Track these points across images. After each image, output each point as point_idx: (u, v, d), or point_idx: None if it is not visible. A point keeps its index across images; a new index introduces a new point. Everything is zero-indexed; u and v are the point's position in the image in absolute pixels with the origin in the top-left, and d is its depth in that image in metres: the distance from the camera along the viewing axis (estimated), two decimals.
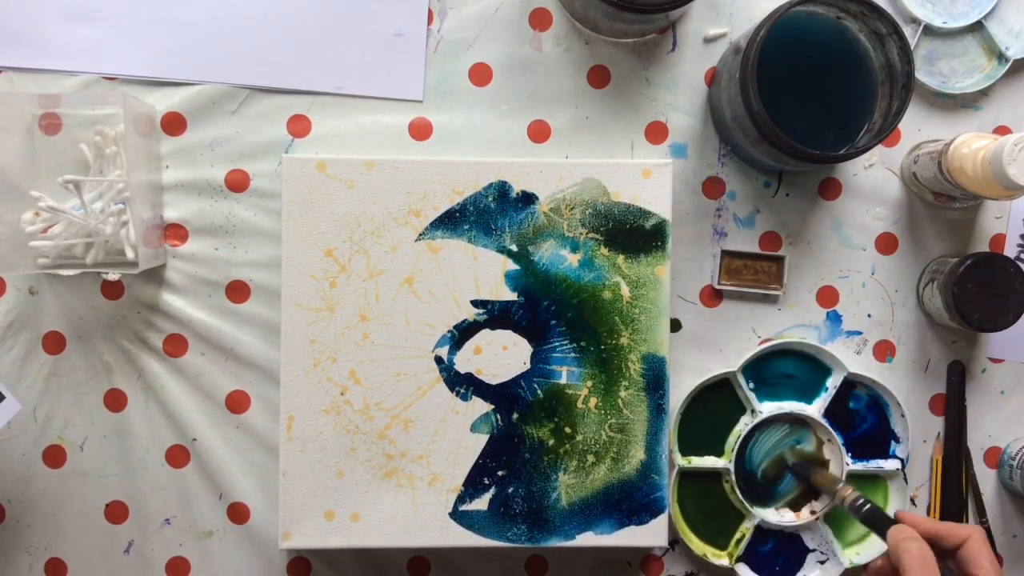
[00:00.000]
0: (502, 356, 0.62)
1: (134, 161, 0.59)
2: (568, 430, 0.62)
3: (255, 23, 0.64)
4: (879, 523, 0.55)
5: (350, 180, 0.61)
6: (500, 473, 0.62)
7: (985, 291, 0.61)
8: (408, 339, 0.61)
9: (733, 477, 0.65)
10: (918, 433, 0.67)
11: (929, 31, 0.65)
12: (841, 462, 0.65)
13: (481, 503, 0.62)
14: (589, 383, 0.62)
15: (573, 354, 0.62)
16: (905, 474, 0.66)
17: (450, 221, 0.61)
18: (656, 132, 0.65)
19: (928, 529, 0.52)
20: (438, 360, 0.62)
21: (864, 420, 0.67)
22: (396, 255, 0.61)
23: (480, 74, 0.65)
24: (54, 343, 0.64)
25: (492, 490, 0.62)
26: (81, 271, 0.61)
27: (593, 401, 0.62)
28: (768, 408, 0.65)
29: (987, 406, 0.68)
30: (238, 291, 0.65)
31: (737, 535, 0.66)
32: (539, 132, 0.65)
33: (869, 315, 0.67)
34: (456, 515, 0.61)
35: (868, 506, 0.57)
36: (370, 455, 0.61)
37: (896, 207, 0.67)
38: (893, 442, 0.67)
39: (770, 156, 0.61)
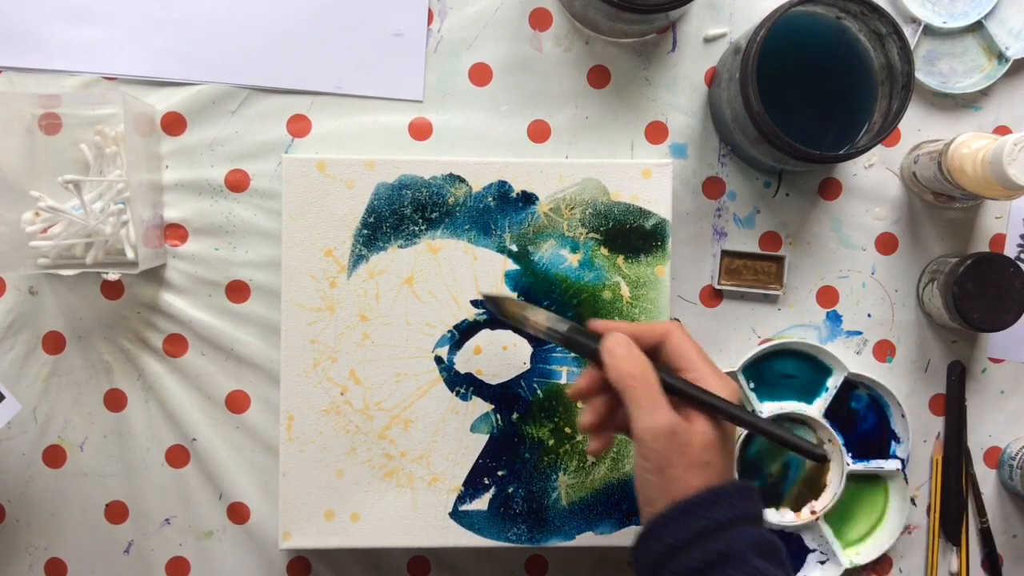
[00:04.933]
0: (502, 356, 0.62)
1: (134, 161, 0.59)
2: (568, 430, 0.62)
3: (255, 23, 0.64)
4: (583, 341, 0.50)
5: (350, 180, 0.61)
6: (500, 473, 0.62)
7: (985, 291, 0.61)
8: (408, 339, 0.61)
9: None
10: (918, 433, 0.67)
11: (929, 31, 0.65)
12: (842, 462, 0.65)
13: (481, 503, 0.61)
14: None
15: (573, 354, 0.62)
16: (905, 474, 0.66)
17: (450, 221, 0.61)
18: (656, 132, 0.65)
19: (625, 333, 0.49)
20: (438, 360, 0.62)
21: (864, 420, 0.67)
22: (396, 255, 0.61)
23: (480, 74, 0.65)
24: (54, 343, 0.64)
25: (492, 490, 0.62)
26: (81, 271, 0.61)
27: None
28: (768, 408, 0.65)
29: (987, 406, 0.68)
30: (238, 291, 0.64)
31: None
32: (539, 132, 0.65)
33: (869, 315, 0.67)
34: (456, 515, 0.61)
35: (567, 327, 0.51)
36: (370, 455, 0.61)
37: (896, 207, 0.67)
38: (893, 442, 0.67)
39: (770, 156, 0.61)
